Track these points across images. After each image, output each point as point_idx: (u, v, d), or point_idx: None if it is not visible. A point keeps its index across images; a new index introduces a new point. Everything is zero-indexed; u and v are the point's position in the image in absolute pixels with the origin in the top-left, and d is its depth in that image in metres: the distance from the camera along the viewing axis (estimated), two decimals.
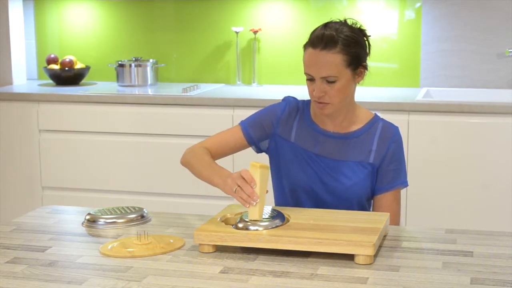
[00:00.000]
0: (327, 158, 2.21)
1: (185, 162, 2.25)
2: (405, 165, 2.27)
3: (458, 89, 3.88)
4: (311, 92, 2.15)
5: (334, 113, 2.18)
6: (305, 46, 2.16)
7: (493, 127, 3.37)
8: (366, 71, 2.18)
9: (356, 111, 2.25)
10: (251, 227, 1.88)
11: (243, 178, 1.93)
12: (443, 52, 3.91)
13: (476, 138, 3.39)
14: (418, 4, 3.93)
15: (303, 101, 2.30)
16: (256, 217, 1.91)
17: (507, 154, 3.34)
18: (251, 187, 1.92)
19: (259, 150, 2.33)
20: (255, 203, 1.91)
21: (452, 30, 3.88)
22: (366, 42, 2.18)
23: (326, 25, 2.14)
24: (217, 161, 2.20)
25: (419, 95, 3.63)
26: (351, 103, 2.22)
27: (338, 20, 2.16)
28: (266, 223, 1.89)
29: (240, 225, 1.89)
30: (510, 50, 3.79)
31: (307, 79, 2.16)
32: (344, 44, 2.09)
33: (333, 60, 2.09)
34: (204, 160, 2.17)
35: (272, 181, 2.31)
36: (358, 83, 2.19)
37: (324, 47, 2.09)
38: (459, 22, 3.87)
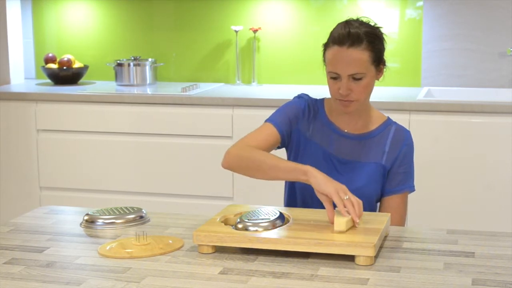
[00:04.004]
0: (341, 157, 2.21)
1: (236, 159, 2.11)
2: (413, 170, 2.26)
3: (460, 88, 3.87)
4: (335, 91, 2.13)
5: (356, 110, 2.18)
6: (328, 45, 2.14)
7: (495, 127, 3.35)
8: (385, 68, 2.18)
9: (371, 112, 2.25)
10: (251, 228, 1.87)
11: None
12: (444, 51, 3.89)
13: (478, 138, 3.38)
14: (419, 3, 3.91)
15: (316, 99, 2.29)
16: (342, 229, 1.84)
17: (509, 154, 3.33)
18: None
19: (282, 147, 2.29)
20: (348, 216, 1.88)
21: (454, 29, 3.87)
22: (384, 41, 2.18)
23: (347, 23, 2.13)
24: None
25: (420, 94, 3.62)
26: (367, 103, 2.22)
27: (353, 18, 2.16)
28: (266, 224, 1.88)
29: (240, 225, 1.88)
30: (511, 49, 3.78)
31: (331, 78, 2.14)
32: (369, 41, 2.10)
33: (361, 57, 2.09)
34: (264, 155, 2.08)
35: None
36: (378, 80, 2.19)
37: (351, 44, 2.09)
38: (460, 21, 3.86)
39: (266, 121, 2.25)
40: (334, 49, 2.12)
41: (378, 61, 2.14)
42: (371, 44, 2.10)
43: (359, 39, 2.09)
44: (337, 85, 2.13)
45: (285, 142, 2.26)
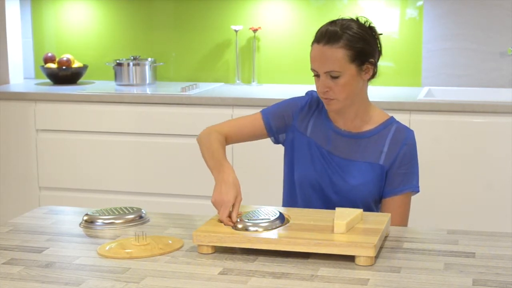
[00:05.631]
0: (337, 156, 2.20)
1: (199, 142, 2.22)
2: (417, 170, 2.25)
3: (460, 88, 3.86)
4: (317, 88, 2.15)
5: (342, 109, 2.17)
6: (312, 42, 2.16)
7: (495, 127, 3.35)
8: (374, 68, 2.16)
9: (370, 111, 2.23)
10: (251, 228, 1.86)
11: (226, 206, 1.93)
12: (445, 51, 3.89)
13: (478, 138, 3.37)
14: (419, 3, 3.91)
15: None
16: (342, 231, 1.84)
17: (509, 153, 3.33)
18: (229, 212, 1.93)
19: (276, 141, 2.32)
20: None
21: (454, 28, 3.87)
22: (377, 40, 2.17)
23: (333, 22, 2.15)
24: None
25: (421, 94, 3.62)
26: (362, 101, 2.20)
27: (348, 18, 2.16)
28: (266, 224, 1.87)
29: (240, 226, 1.87)
30: None
31: (314, 75, 2.16)
32: (348, 39, 2.09)
33: (335, 55, 2.09)
34: (213, 147, 2.14)
35: (283, 174, 2.31)
36: (367, 80, 2.18)
37: (327, 42, 2.10)
38: (461, 21, 3.85)
39: (260, 111, 2.30)
40: (313, 47, 2.14)
41: (361, 60, 2.12)
42: (350, 42, 2.09)
43: (336, 37, 2.09)
44: (318, 83, 2.15)
45: (273, 133, 2.28)
